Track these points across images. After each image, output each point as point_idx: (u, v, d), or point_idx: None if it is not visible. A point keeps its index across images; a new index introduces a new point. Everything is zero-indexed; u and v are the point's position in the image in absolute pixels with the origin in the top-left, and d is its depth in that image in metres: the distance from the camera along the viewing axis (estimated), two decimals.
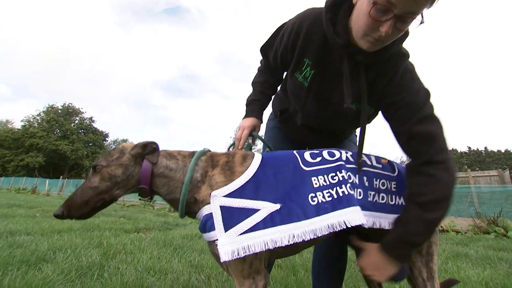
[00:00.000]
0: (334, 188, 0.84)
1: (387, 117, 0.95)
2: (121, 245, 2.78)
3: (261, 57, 1.26)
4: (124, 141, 69.79)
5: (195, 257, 2.47)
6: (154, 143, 0.92)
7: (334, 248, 1.30)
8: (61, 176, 23.60)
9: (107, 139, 46.76)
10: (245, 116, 1.23)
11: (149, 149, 0.91)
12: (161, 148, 0.96)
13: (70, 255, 2.29)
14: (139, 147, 0.91)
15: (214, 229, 0.78)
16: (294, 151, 0.96)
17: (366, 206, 0.87)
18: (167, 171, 0.91)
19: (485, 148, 54.35)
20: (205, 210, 0.83)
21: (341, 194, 0.83)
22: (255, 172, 0.86)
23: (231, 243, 0.74)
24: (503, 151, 52.52)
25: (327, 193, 0.83)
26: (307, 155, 0.94)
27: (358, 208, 0.82)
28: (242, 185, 0.83)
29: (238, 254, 0.73)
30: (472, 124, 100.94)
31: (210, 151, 1.01)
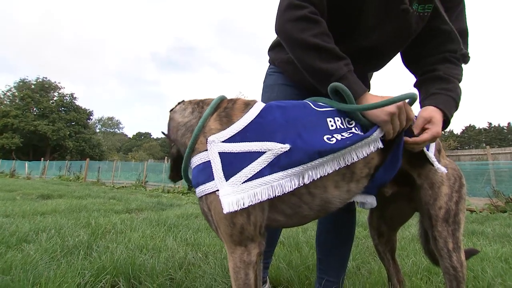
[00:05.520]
0: (353, 129, 0.84)
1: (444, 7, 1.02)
2: (111, 225, 2.80)
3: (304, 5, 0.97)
4: (110, 119, 68.80)
5: (191, 235, 2.51)
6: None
7: (346, 222, 1.32)
8: (42, 158, 23.67)
9: (91, 117, 46.22)
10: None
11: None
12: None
13: (54, 235, 2.31)
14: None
15: (212, 179, 0.75)
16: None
17: None
18: (172, 114, 0.97)
19: (508, 123, 52.63)
20: (197, 160, 0.81)
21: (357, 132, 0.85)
22: (260, 113, 0.83)
23: (235, 192, 0.71)
24: None
25: (346, 134, 0.81)
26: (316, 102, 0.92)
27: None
28: (244, 128, 0.79)
29: (243, 204, 0.71)
30: (495, 97, 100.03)
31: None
